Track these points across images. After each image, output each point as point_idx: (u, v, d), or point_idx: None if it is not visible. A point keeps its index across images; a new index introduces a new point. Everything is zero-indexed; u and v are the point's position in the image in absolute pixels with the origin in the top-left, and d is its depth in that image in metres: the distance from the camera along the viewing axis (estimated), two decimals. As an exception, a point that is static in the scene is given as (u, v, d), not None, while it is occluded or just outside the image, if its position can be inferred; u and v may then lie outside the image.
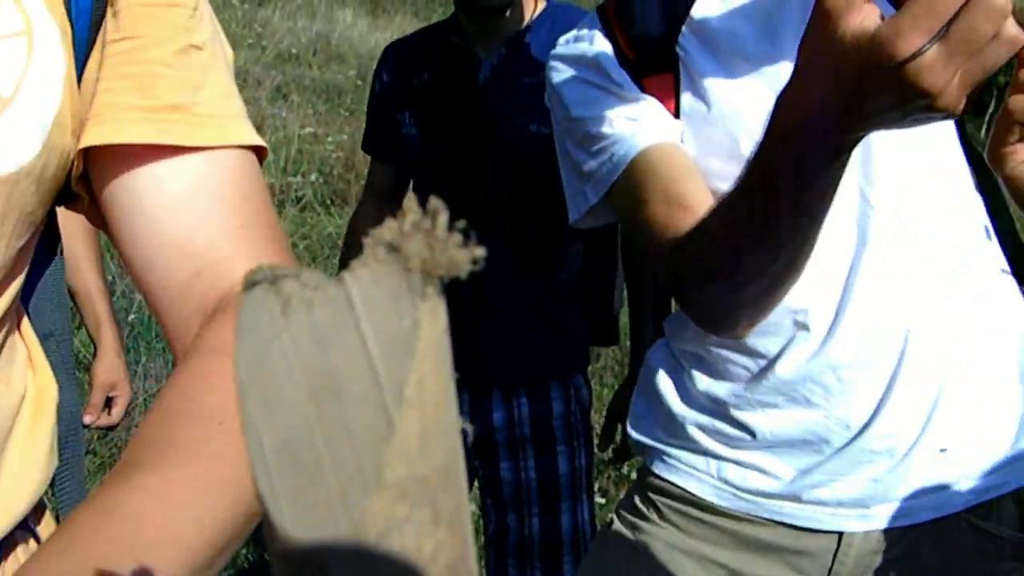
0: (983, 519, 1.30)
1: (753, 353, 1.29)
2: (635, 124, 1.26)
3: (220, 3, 9.26)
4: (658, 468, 1.42)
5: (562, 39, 1.38)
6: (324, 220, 6.00)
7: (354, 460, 0.23)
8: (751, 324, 1.19)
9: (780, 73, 1.24)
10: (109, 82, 0.72)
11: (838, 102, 0.83)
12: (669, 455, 1.41)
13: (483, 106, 2.11)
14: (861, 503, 1.27)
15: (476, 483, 2.33)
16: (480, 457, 2.24)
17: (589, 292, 2.25)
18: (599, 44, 1.32)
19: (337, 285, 0.24)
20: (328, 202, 6.21)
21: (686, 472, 1.38)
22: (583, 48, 1.33)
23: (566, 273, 2.20)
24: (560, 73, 1.34)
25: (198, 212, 0.73)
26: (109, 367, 2.17)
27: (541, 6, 2.16)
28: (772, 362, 1.27)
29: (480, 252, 0.23)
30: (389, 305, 0.23)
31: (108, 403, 2.19)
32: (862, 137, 0.87)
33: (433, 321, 0.23)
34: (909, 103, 0.78)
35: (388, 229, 0.24)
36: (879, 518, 1.28)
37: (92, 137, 0.71)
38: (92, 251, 2.14)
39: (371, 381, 0.23)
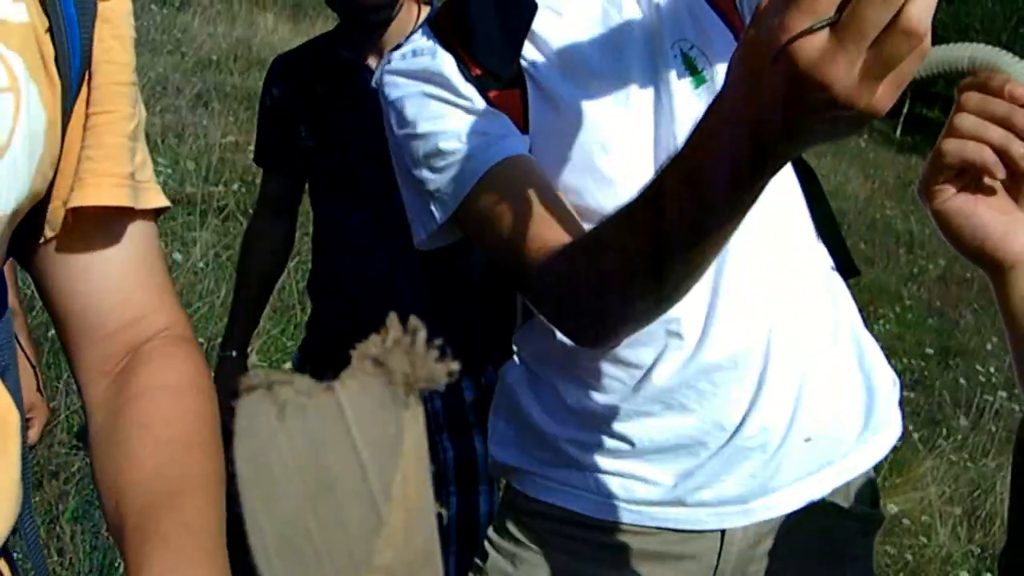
0: (844, 500, 1.40)
1: (627, 364, 1.29)
2: (486, 138, 1.22)
3: (139, 9, 9.11)
4: (532, 491, 1.41)
5: (396, 54, 1.32)
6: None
7: (347, 548, 0.26)
8: (626, 336, 1.17)
9: (628, 89, 1.27)
10: (90, 151, 0.83)
11: (758, 104, 0.78)
12: (543, 476, 1.39)
13: (374, 117, 2.13)
14: (741, 499, 1.33)
15: None
16: None
17: (498, 284, 2.27)
18: (442, 58, 1.27)
19: (328, 393, 0.27)
20: (251, 211, 6.15)
21: (564, 491, 1.37)
22: (424, 62, 1.28)
23: (472, 268, 2.21)
24: (399, 88, 1.29)
25: (141, 268, 0.89)
26: (24, 387, 2.15)
27: (424, 13, 2.17)
28: (647, 372, 1.28)
29: (455, 367, 0.27)
30: (376, 413, 0.27)
31: (26, 423, 2.16)
32: (789, 151, 0.83)
33: (414, 425, 0.27)
34: (807, 94, 0.73)
35: (373, 344, 0.27)
36: (757, 511, 1.33)
37: (77, 199, 0.82)
38: (8, 268, 2.11)
39: (361, 480, 0.26)
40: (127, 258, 0.88)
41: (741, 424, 1.30)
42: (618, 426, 1.32)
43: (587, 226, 1.13)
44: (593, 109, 1.27)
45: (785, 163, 0.85)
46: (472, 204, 1.21)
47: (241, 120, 7.72)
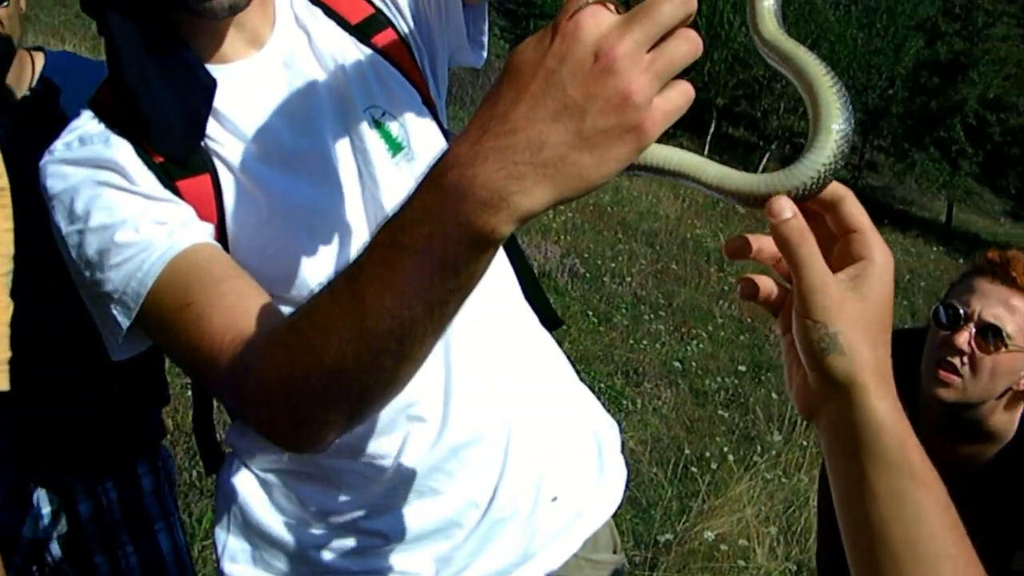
0: (592, 551, 1.44)
1: (371, 456, 1.23)
2: (165, 227, 1.11)
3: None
4: None
5: (59, 143, 1.18)
6: None
7: None
8: (340, 436, 1.04)
9: (326, 164, 1.22)
10: None
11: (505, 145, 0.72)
12: None
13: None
14: (504, 572, 1.32)
15: None
16: (70, 559, 2.03)
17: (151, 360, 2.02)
18: (117, 145, 1.15)
19: None
20: None
21: None
22: (96, 150, 1.15)
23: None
24: (65, 179, 1.14)
25: None
26: None
27: (40, 62, 1.96)
28: (394, 461, 1.24)
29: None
30: None
31: None
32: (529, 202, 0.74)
33: None
34: (589, 78, 0.69)
35: None
36: None
37: None
38: None
39: None
40: None
41: (493, 497, 1.29)
42: (368, 523, 1.26)
43: None
44: (292, 189, 1.20)
45: (515, 227, 0.76)
46: (156, 302, 1.08)
47: None
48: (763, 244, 0.84)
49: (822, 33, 32.44)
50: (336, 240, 1.22)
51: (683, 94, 0.73)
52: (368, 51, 1.29)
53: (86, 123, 1.18)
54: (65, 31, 13.57)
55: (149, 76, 1.15)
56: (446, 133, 1.37)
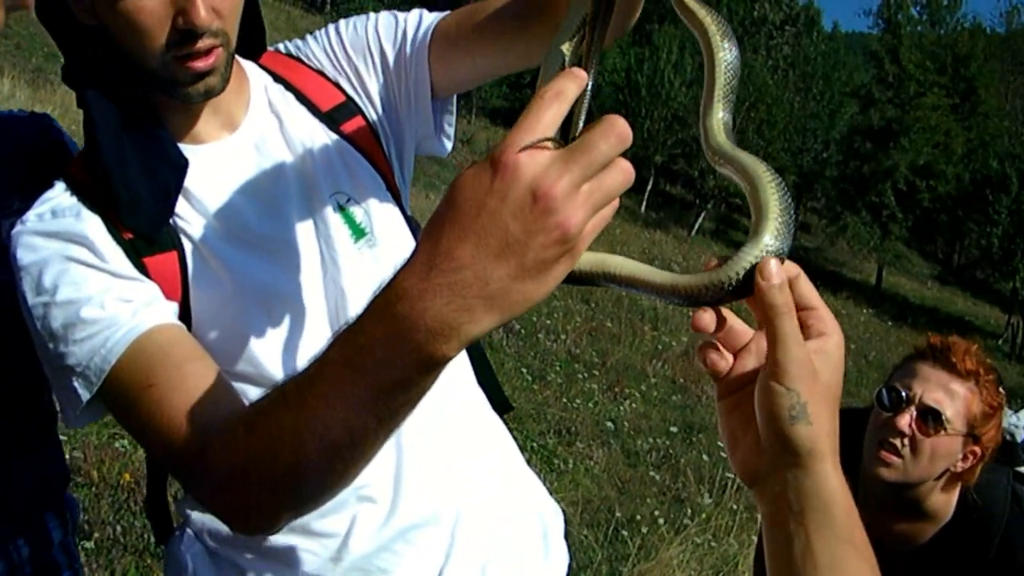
0: None
1: (321, 535, 1.27)
2: (130, 305, 1.15)
3: None
4: None
5: (32, 214, 1.21)
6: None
7: None
8: (293, 519, 1.08)
9: (290, 248, 1.28)
10: None
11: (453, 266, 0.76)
12: None
13: None
14: None
15: None
16: None
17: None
18: (88, 221, 1.19)
19: None
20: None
21: None
22: (67, 224, 1.19)
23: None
24: (36, 252, 1.18)
25: None
26: None
27: None
28: (343, 540, 1.26)
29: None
30: None
31: None
32: (480, 324, 0.78)
33: None
34: (526, 213, 0.73)
35: None
36: None
37: None
38: None
39: None
40: None
41: None
42: None
43: (256, 394, 1.06)
44: (256, 271, 1.25)
45: (466, 344, 0.81)
46: (118, 379, 1.12)
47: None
48: (734, 324, 0.87)
49: (760, 96, 33.24)
50: (295, 322, 1.26)
51: (612, 208, 0.78)
52: (336, 137, 1.35)
53: (58, 195, 1.21)
54: (3, 63, 13.37)
55: (124, 153, 1.20)
56: (409, 219, 1.41)
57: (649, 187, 32.70)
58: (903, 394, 1.97)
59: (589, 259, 0.87)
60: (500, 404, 1.51)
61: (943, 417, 1.93)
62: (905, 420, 1.94)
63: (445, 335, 0.78)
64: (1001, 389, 2.01)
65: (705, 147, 0.92)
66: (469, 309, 0.77)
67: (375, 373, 0.83)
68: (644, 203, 31.59)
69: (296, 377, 0.93)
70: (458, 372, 1.42)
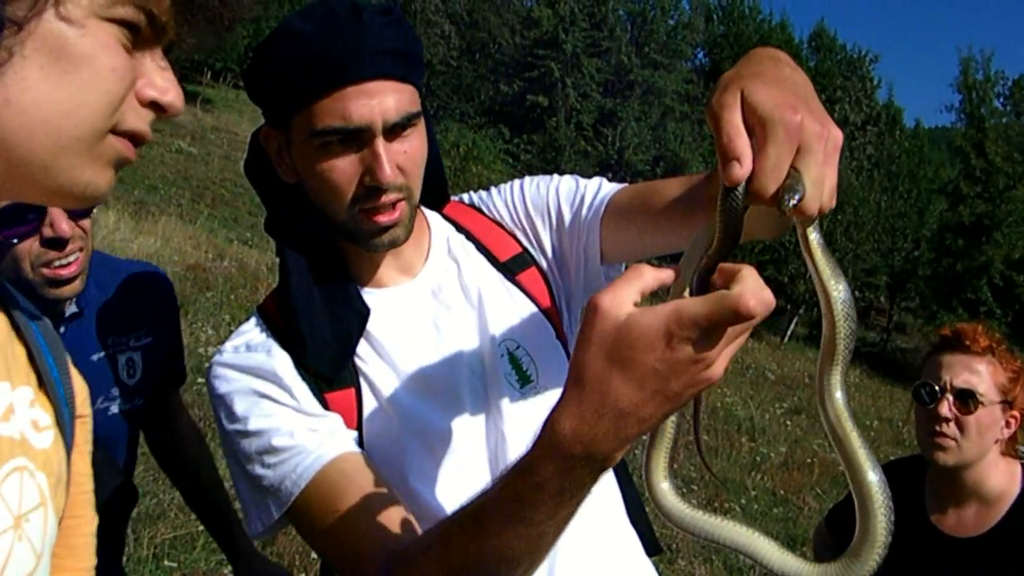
0: None
1: None
2: (317, 435, 1.26)
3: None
4: None
5: (229, 345, 1.35)
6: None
7: None
8: None
9: (457, 391, 1.35)
10: (58, 549, 0.89)
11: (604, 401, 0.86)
12: None
13: None
14: None
15: None
16: None
17: None
18: (278, 357, 1.31)
19: None
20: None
21: None
22: (259, 359, 1.31)
23: None
24: (229, 383, 1.31)
25: None
26: None
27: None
28: None
29: None
30: None
31: None
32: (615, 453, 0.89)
33: None
34: (689, 376, 0.83)
35: None
36: None
37: None
38: None
39: None
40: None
41: None
42: None
43: (423, 526, 1.16)
44: (423, 412, 1.33)
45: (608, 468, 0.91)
46: (306, 501, 1.24)
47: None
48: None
49: (846, 198, 32.82)
50: (455, 463, 1.34)
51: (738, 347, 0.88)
52: (511, 286, 1.45)
53: (251, 330, 1.35)
54: (107, 196, 13.89)
55: (312, 299, 1.32)
56: None
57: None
58: (936, 385, 2.18)
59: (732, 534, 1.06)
60: (650, 545, 1.54)
61: (977, 394, 2.14)
62: (945, 407, 2.15)
63: (614, 459, 0.88)
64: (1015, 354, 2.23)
65: (820, 409, 1.01)
66: (627, 439, 0.87)
67: (551, 502, 0.92)
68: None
69: (469, 509, 1.02)
70: (609, 508, 1.47)
